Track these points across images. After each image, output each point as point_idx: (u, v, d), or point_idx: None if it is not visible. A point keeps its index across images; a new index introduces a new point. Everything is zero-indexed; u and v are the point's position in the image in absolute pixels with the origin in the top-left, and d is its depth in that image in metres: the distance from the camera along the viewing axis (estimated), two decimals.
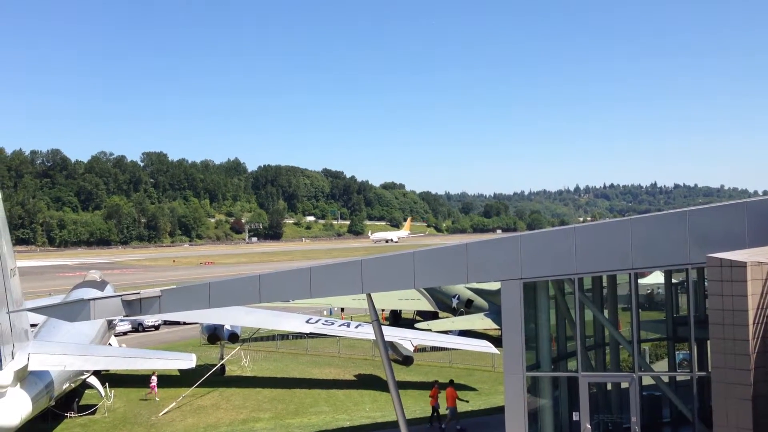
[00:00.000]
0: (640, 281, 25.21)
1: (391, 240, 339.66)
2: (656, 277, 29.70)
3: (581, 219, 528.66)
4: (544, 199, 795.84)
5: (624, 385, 24.88)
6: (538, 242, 24.64)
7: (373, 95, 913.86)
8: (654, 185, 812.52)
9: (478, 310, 61.99)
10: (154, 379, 44.30)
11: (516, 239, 24.57)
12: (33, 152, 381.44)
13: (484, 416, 37.11)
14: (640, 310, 24.13)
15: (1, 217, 31.01)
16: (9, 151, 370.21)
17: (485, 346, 45.55)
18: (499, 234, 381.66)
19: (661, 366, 27.13)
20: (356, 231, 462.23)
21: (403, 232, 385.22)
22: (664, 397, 25.77)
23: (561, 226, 32.14)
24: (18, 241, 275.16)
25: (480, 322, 59.32)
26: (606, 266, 23.95)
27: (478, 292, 63.51)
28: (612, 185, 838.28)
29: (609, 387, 26.80)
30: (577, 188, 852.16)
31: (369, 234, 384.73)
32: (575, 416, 24.16)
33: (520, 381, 23.97)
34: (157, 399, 43.13)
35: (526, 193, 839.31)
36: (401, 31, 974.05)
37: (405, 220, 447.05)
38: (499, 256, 24.44)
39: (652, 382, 25.32)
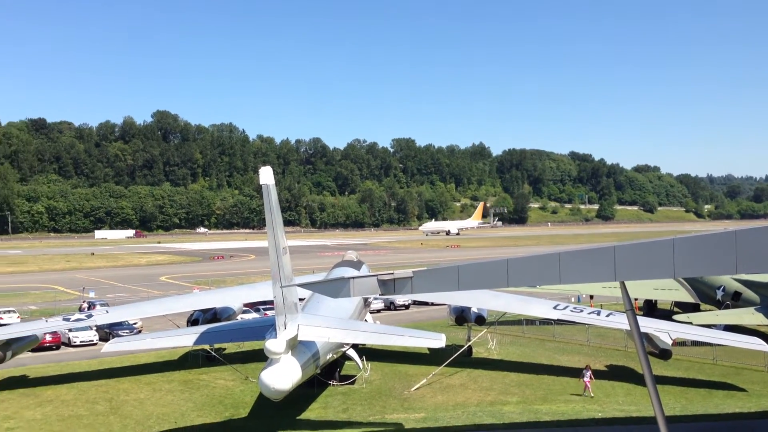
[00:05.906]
0: None
1: (449, 231, 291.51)
2: None
3: None
4: None
5: None
6: None
7: (621, 74, 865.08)
8: None
9: (748, 303, 56.53)
10: (588, 373, 40.60)
11: None
12: (298, 141, 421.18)
13: (754, 419, 33.79)
14: None
15: (274, 200, 34.40)
16: (278, 140, 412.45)
17: (757, 344, 41.88)
18: None
19: None
20: (605, 216, 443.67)
21: (471, 221, 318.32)
22: None
23: None
24: (285, 223, 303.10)
25: (750, 317, 54.07)
26: None
27: (748, 284, 57.79)
28: None
29: None
30: None
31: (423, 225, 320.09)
32: None
33: None
34: (591, 395, 39.82)
35: None
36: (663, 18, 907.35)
37: (659, 204, 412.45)
38: None
39: None
